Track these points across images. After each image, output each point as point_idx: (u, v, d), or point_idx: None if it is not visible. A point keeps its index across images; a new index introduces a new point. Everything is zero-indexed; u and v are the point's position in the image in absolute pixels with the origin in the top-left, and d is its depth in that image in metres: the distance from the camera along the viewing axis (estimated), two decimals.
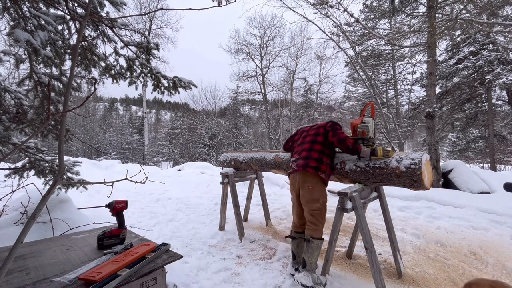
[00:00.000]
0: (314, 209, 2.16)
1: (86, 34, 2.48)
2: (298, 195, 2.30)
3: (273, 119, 18.94)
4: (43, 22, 2.07)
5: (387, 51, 13.56)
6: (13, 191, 2.56)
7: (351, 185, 2.20)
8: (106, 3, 2.34)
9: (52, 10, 2.28)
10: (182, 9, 1.28)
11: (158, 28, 18.17)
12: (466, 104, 12.51)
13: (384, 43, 11.01)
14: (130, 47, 2.63)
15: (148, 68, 2.68)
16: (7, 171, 2.61)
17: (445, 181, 6.04)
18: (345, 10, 7.66)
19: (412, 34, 7.28)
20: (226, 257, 2.77)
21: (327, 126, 2.32)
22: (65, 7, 2.27)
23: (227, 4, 1.53)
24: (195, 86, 2.75)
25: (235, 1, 1.48)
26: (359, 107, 17.53)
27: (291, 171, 2.34)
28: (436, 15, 6.43)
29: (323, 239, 2.19)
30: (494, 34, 9.62)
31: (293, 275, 2.28)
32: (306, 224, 2.22)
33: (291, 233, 2.46)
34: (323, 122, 2.44)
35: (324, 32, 8.78)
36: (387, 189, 2.63)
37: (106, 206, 1.63)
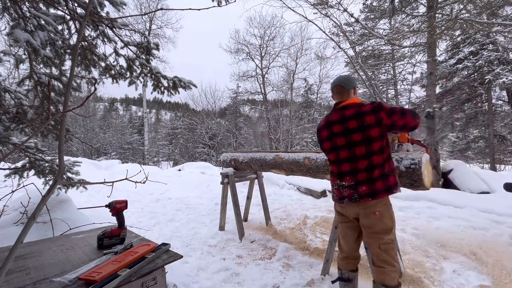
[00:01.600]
0: (386, 241, 1.58)
1: (86, 34, 2.48)
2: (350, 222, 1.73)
3: (273, 119, 18.94)
4: (43, 22, 2.07)
5: (387, 51, 13.57)
6: (13, 191, 2.56)
7: None
8: (106, 3, 2.34)
9: (52, 10, 2.28)
10: (182, 9, 1.28)
11: (158, 28, 18.19)
12: (466, 104, 12.51)
13: (384, 43, 11.01)
14: (130, 47, 2.63)
15: (148, 68, 2.68)
16: (7, 171, 2.61)
17: (445, 181, 6.04)
18: (345, 10, 7.66)
19: (412, 34, 7.28)
20: (226, 257, 2.77)
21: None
22: (65, 7, 2.27)
23: (227, 4, 1.54)
24: (195, 86, 2.75)
25: (235, 1, 1.48)
26: None
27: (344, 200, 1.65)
28: (436, 15, 6.44)
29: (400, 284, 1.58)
30: (494, 34, 9.62)
31: None
32: (376, 264, 1.61)
33: (340, 272, 1.81)
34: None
35: (324, 32, 8.78)
36: None
37: (106, 206, 1.63)
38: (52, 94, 2.45)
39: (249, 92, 19.88)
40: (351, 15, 7.73)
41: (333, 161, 1.70)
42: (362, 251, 2.72)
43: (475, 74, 11.49)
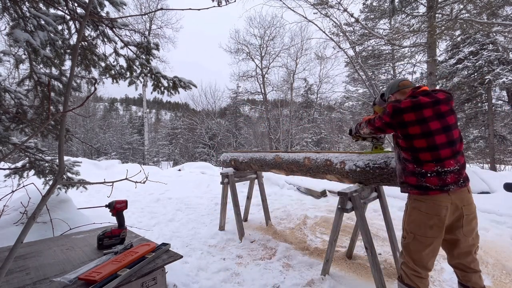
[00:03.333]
0: (477, 245, 1.51)
1: (86, 34, 2.48)
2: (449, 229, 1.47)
3: (273, 119, 18.94)
4: (43, 22, 2.07)
5: (387, 51, 13.57)
6: (13, 191, 2.56)
7: (351, 185, 2.20)
8: (106, 3, 2.34)
9: (52, 10, 2.28)
10: (182, 9, 1.28)
11: (158, 28, 18.18)
12: (466, 104, 12.50)
13: (384, 43, 11.01)
14: (130, 47, 2.63)
15: (148, 68, 2.68)
16: (7, 171, 2.61)
17: None
18: (345, 10, 7.66)
19: (412, 34, 7.28)
20: (226, 257, 2.77)
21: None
22: (65, 7, 2.27)
23: (227, 4, 1.54)
24: (195, 86, 2.75)
25: (235, 1, 1.48)
26: (359, 107, 17.53)
27: (446, 187, 1.42)
28: (436, 15, 6.44)
29: None
30: (494, 34, 9.62)
31: None
32: (472, 272, 1.46)
33: None
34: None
35: (324, 32, 8.77)
36: (387, 189, 2.63)
37: (106, 206, 1.63)
38: (52, 94, 2.45)
39: (249, 92, 19.89)
40: (351, 15, 7.72)
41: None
42: (362, 251, 2.73)
43: (475, 74, 11.49)
